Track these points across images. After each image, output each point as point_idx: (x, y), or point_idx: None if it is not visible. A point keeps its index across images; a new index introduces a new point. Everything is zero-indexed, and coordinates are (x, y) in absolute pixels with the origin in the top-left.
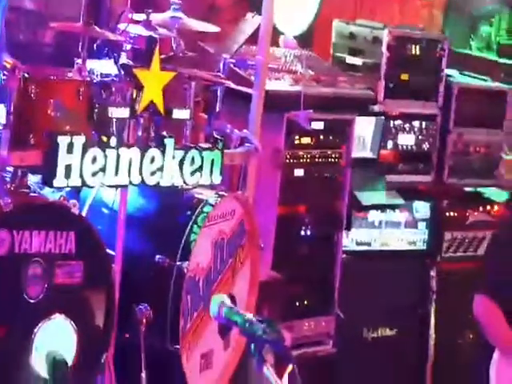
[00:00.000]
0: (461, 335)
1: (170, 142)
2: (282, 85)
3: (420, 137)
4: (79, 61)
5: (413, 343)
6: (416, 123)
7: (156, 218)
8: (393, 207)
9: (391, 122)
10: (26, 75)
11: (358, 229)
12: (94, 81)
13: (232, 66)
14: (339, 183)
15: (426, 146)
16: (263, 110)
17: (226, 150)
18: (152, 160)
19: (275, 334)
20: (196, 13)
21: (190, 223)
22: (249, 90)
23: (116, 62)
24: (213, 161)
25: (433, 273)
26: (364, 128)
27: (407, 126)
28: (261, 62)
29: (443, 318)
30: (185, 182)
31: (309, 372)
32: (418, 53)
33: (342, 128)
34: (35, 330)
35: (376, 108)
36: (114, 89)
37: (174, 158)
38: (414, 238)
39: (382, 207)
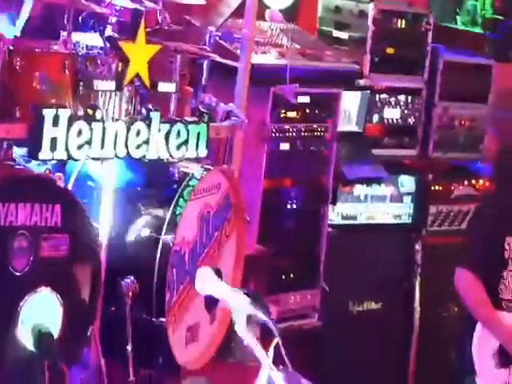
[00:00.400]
0: (445, 308)
1: (155, 115)
2: (267, 58)
3: (405, 111)
4: (64, 33)
5: (398, 316)
6: (401, 97)
7: (142, 191)
8: (378, 181)
9: (377, 95)
10: (11, 48)
11: (344, 203)
12: (80, 53)
13: (218, 39)
14: (325, 157)
15: (411, 119)
16: (249, 83)
17: (211, 124)
18: (138, 133)
19: (260, 306)
20: None
21: (176, 197)
22: (235, 64)
23: (101, 35)
24: (199, 134)
25: (418, 246)
26: (350, 102)
27: (393, 99)
28: (247, 36)
29: (428, 292)
30: (171, 156)
31: (294, 345)
32: (403, 27)
33: (328, 102)
34: (21, 303)
35: (362, 82)
36: (99, 61)
37: (159, 131)
38: (400, 212)
39: (367, 181)
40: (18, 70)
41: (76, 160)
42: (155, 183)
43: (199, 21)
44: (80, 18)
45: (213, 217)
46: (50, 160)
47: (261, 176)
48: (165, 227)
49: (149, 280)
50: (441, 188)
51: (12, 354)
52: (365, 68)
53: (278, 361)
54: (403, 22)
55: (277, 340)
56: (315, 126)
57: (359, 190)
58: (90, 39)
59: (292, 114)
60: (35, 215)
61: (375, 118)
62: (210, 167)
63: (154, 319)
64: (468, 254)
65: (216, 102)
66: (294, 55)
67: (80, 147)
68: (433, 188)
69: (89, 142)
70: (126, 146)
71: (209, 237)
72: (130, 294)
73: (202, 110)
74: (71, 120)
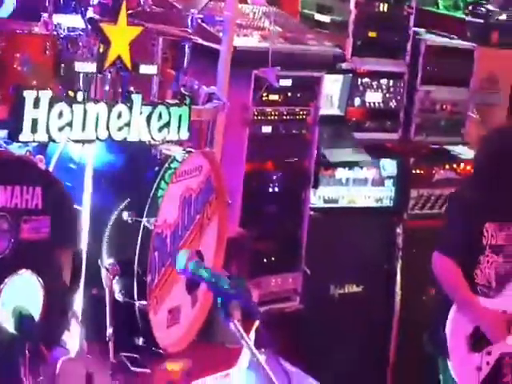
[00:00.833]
0: (426, 291)
1: (137, 98)
2: (250, 41)
3: (387, 94)
4: (46, 15)
5: (379, 299)
6: (383, 81)
7: (123, 173)
8: (360, 165)
9: (359, 79)
10: None
11: (326, 186)
12: (61, 35)
13: (200, 21)
14: (307, 140)
15: (393, 103)
16: (231, 66)
17: (193, 106)
18: (119, 115)
19: (242, 290)
20: None
21: (158, 179)
22: (217, 46)
23: (83, 17)
24: (180, 117)
25: (399, 230)
26: (332, 85)
27: (375, 83)
28: (229, 18)
29: (409, 275)
30: (152, 138)
31: (276, 328)
32: (385, 10)
33: (310, 85)
34: (1, 286)
35: (344, 65)
36: (80, 43)
37: (141, 113)
38: (381, 196)
39: (349, 165)
40: None
41: (57, 142)
42: (137, 166)
43: (181, 3)
44: None
45: (194, 199)
46: (31, 142)
47: (243, 159)
48: (146, 210)
49: (130, 263)
50: (422, 172)
51: None
52: (347, 51)
53: (259, 343)
54: (385, 5)
55: (258, 323)
56: (297, 109)
57: (341, 173)
58: (71, 21)
59: (274, 97)
60: (16, 197)
61: (357, 101)
62: (191, 150)
63: (135, 302)
64: (446, 238)
65: (198, 84)
66: (276, 38)
67: (61, 129)
68: (414, 172)
69: (70, 124)
70: (108, 129)
71: (190, 219)
72: (112, 276)
73: (184, 92)
74: (52, 102)
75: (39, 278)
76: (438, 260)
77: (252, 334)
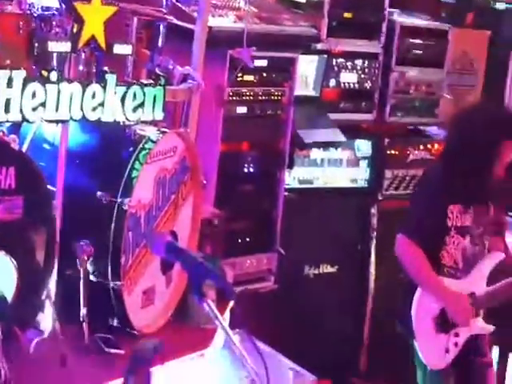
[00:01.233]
0: (400, 271)
1: (111, 78)
2: (225, 22)
3: (362, 75)
4: None
5: (353, 280)
6: (358, 61)
7: (98, 154)
8: (335, 145)
9: (334, 60)
10: None
11: (300, 167)
12: (35, 14)
13: (175, 1)
14: (282, 121)
15: (368, 84)
16: (206, 46)
17: (168, 87)
18: (93, 95)
19: (217, 270)
20: None
21: (132, 159)
22: (191, 27)
23: None
24: (155, 97)
25: (373, 210)
26: (307, 66)
27: (350, 64)
28: None
29: (383, 255)
30: (127, 118)
31: (250, 308)
32: None
33: (285, 66)
34: None
35: (319, 46)
36: (54, 23)
37: (115, 93)
38: (356, 176)
39: (324, 145)
40: None
41: (31, 122)
42: (111, 146)
43: None
44: None
45: (169, 180)
46: (4, 122)
47: (218, 139)
48: (120, 190)
49: (104, 243)
50: (397, 152)
51: None
52: (322, 32)
53: (233, 324)
54: None
55: (233, 303)
56: (272, 89)
57: (316, 154)
58: (45, 0)
59: (249, 78)
60: None
61: (332, 82)
62: (166, 130)
63: (109, 283)
64: (409, 220)
65: (173, 64)
66: (252, 18)
67: (35, 109)
68: (389, 152)
69: (43, 104)
70: (82, 109)
71: (165, 200)
72: (86, 257)
73: (159, 72)
74: (26, 81)
75: (12, 259)
76: (401, 243)
77: (226, 315)
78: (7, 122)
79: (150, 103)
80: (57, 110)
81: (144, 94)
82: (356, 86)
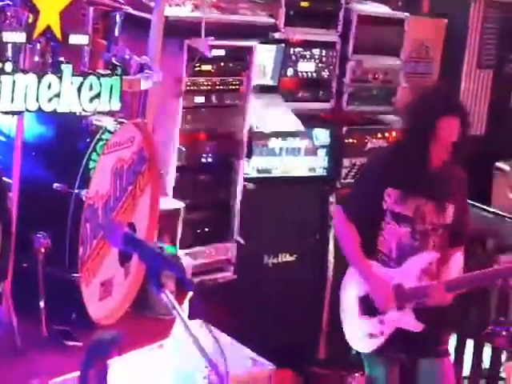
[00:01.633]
0: None
1: (67, 68)
2: (182, 11)
3: (320, 64)
4: None
5: (312, 268)
6: (316, 50)
7: (54, 145)
8: (293, 135)
9: (291, 49)
10: None
11: (259, 156)
12: None
13: None
14: (240, 110)
15: (325, 73)
16: (163, 36)
17: (125, 77)
18: (49, 86)
19: (175, 261)
20: None
21: (89, 150)
22: (148, 16)
23: None
24: (112, 87)
25: (332, 199)
26: (264, 55)
27: (307, 53)
28: None
29: None
30: (83, 109)
31: (209, 298)
32: None
33: (243, 55)
34: None
35: (276, 35)
36: (9, 13)
37: (71, 84)
38: (314, 165)
39: (282, 135)
40: None
41: None
42: (68, 137)
43: None
44: None
45: (126, 170)
46: None
47: (176, 129)
48: (78, 181)
49: (62, 235)
50: (354, 141)
51: None
52: (279, 21)
53: (192, 314)
54: None
55: (191, 294)
56: (230, 79)
57: (274, 143)
58: None
59: (207, 68)
60: None
61: (290, 71)
62: (123, 121)
63: (67, 274)
64: (348, 198)
65: (129, 54)
66: (209, 8)
67: None
68: (347, 141)
69: None
70: (37, 100)
71: (123, 191)
72: (43, 249)
73: (115, 62)
74: None
75: None
76: (336, 215)
77: (185, 305)
78: None
79: (106, 94)
80: (12, 101)
81: (100, 85)
82: (314, 75)
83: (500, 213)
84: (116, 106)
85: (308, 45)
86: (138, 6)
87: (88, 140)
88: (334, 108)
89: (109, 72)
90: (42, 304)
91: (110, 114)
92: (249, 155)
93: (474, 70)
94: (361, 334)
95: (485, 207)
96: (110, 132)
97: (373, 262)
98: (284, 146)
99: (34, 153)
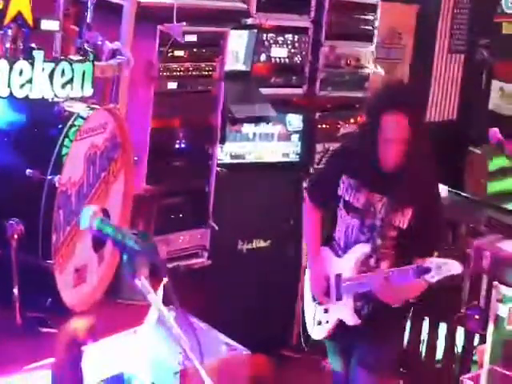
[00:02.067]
0: None
1: (39, 54)
2: None
3: (292, 50)
4: None
5: (286, 254)
6: (289, 36)
7: (26, 131)
8: (266, 120)
9: (264, 35)
10: None
11: (232, 142)
12: None
13: None
14: (213, 96)
15: (298, 58)
16: (135, 21)
17: (97, 63)
18: (20, 72)
19: (149, 247)
20: None
21: (62, 137)
22: (120, 1)
23: None
24: (84, 73)
25: (305, 184)
26: (237, 41)
27: (280, 38)
28: None
29: None
30: (55, 95)
31: (184, 284)
32: None
33: (216, 41)
34: None
35: (249, 21)
36: None
37: (43, 70)
38: (287, 150)
39: (255, 120)
40: None
41: None
42: (40, 123)
43: None
44: None
45: (99, 157)
46: None
47: (148, 115)
48: (50, 168)
49: (35, 222)
50: (327, 126)
51: None
52: (252, 7)
53: (167, 300)
54: None
55: (166, 280)
56: (203, 65)
57: (247, 129)
58: None
59: (179, 53)
60: None
61: (262, 57)
62: (96, 106)
63: (40, 261)
64: (311, 179)
65: (101, 40)
66: None
67: None
68: (320, 126)
69: None
70: (9, 86)
71: (96, 177)
72: (16, 236)
73: (88, 48)
74: None
75: None
76: (305, 200)
77: (160, 291)
78: None
79: (78, 79)
80: None
81: (73, 71)
82: (286, 60)
83: (472, 197)
84: (88, 91)
85: (281, 30)
86: None
87: (60, 126)
88: (307, 93)
89: (81, 58)
90: (15, 291)
91: (83, 100)
92: (222, 141)
93: (445, 55)
94: (312, 321)
95: (457, 192)
96: (82, 118)
97: (326, 249)
98: (257, 131)
99: (6, 139)
